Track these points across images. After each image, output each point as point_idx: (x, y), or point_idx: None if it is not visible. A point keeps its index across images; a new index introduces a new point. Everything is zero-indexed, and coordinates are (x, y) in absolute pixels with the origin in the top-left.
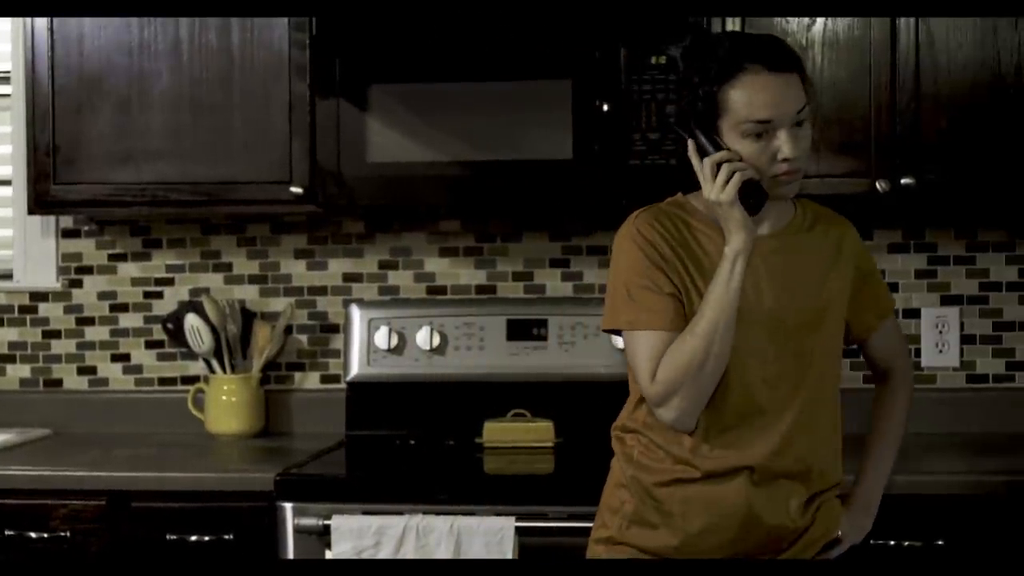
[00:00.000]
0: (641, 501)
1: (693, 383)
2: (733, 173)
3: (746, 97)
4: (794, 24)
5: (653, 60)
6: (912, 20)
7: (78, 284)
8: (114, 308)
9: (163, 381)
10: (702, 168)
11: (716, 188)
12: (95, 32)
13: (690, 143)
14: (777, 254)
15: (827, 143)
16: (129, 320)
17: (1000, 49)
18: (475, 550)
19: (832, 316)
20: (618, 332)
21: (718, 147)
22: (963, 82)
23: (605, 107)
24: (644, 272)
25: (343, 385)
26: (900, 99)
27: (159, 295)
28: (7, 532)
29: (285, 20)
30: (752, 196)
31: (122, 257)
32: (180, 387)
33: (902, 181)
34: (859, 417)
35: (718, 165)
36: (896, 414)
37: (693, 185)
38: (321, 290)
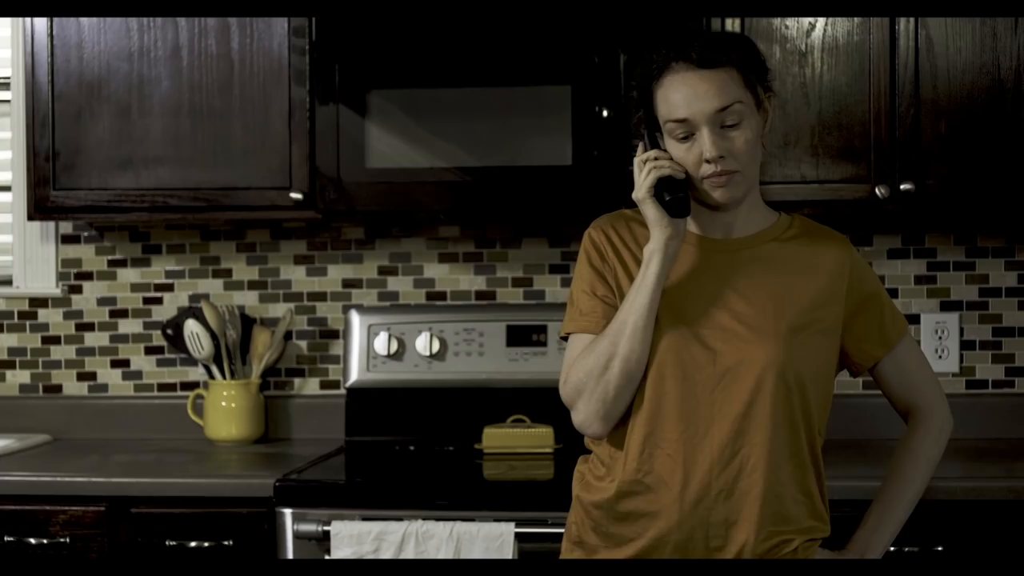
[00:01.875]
0: (581, 523)
1: (597, 384)
2: (651, 171)
3: (665, 95)
4: (793, 30)
5: None
6: (911, 25)
7: (78, 290)
8: (114, 314)
9: (163, 387)
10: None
11: (637, 186)
12: (95, 38)
13: (639, 145)
14: (730, 259)
15: (826, 149)
16: (129, 326)
17: (999, 54)
18: (474, 556)
19: (807, 336)
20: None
21: (655, 147)
22: (962, 87)
23: (605, 113)
24: (584, 276)
25: (343, 391)
26: (899, 104)
27: (159, 301)
28: (7, 538)
29: (285, 26)
30: (672, 195)
31: (122, 263)
32: (180, 393)
33: (901, 187)
34: (860, 424)
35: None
36: (916, 460)
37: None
38: (320, 296)
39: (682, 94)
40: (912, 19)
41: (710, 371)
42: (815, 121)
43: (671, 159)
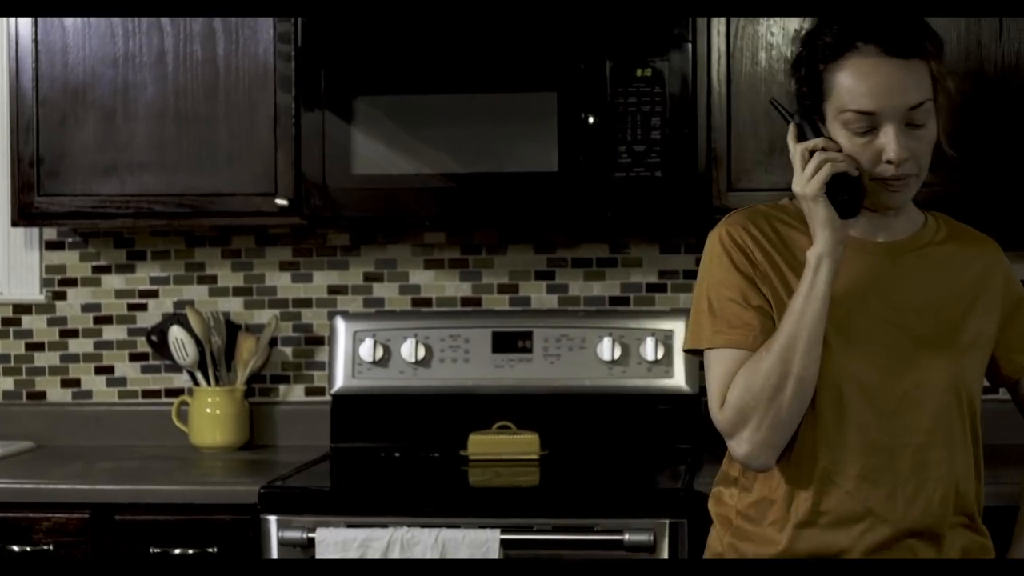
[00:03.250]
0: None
1: (768, 409)
2: (824, 164)
3: (850, 82)
4: (779, 36)
5: (638, 72)
6: None
7: (62, 296)
8: (98, 320)
9: (147, 394)
10: (794, 156)
11: (803, 179)
12: (79, 43)
13: (791, 127)
14: (894, 267)
15: None
16: (113, 332)
17: (984, 62)
18: None
19: (967, 345)
20: (700, 352)
21: (818, 133)
22: None
23: (591, 119)
24: (728, 282)
25: (328, 397)
26: None
27: (143, 307)
28: None
29: (270, 31)
30: (846, 194)
31: (106, 269)
32: (164, 400)
33: None
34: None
35: (810, 154)
36: None
37: (681, 196)
38: (306, 302)
39: (871, 83)
40: None
41: (888, 394)
42: None
43: (840, 151)
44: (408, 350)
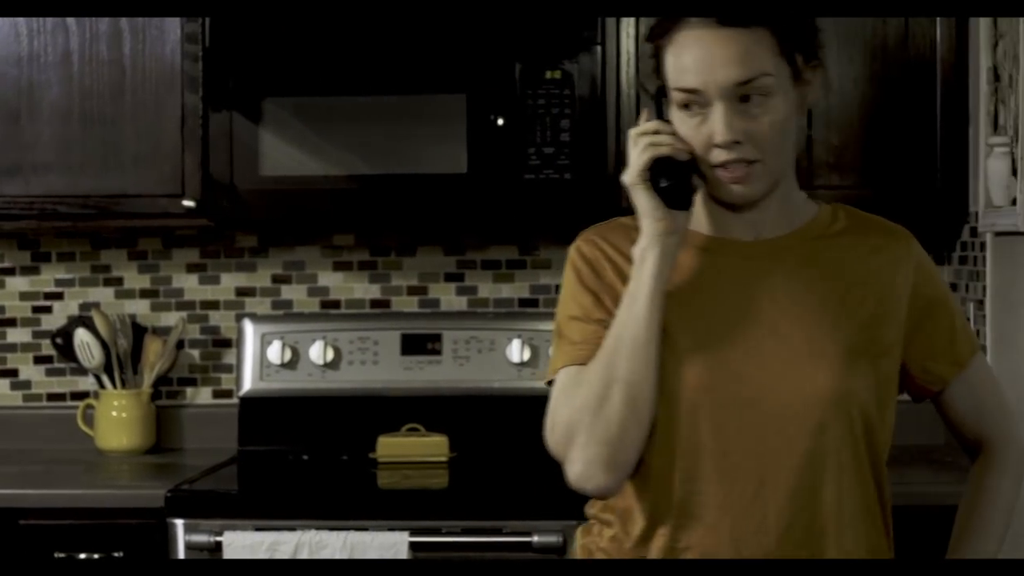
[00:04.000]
0: None
1: (595, 421)
2: (647, 149)
3: (674, 57)
4: None
5: (548, 75)
6: None
7: None
8: (2, 323)
9: (52, 397)
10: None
11: (629, 167)
12: None
13: (643, 114)
14: (769, 266)
15: None
16: (17, 335)
17: (890, 65)
18: None
19: (858, 352)
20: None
21: (661, 119)
22: (853, 99)
23: (500, 121)
24: (574, 300)
25: (235, 400)
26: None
27: (48, 310)
28: None
29: (178, 32)
30: (671, 180)
31: (10, 271)
32: (69, 403)
33: None
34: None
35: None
36: (995, 503)
37: (590, 198)
38: (213, 304)
39: (694, 57)
40: None
41: (756, 413)
42: None
43: (674, 135)
44: (317, 352)
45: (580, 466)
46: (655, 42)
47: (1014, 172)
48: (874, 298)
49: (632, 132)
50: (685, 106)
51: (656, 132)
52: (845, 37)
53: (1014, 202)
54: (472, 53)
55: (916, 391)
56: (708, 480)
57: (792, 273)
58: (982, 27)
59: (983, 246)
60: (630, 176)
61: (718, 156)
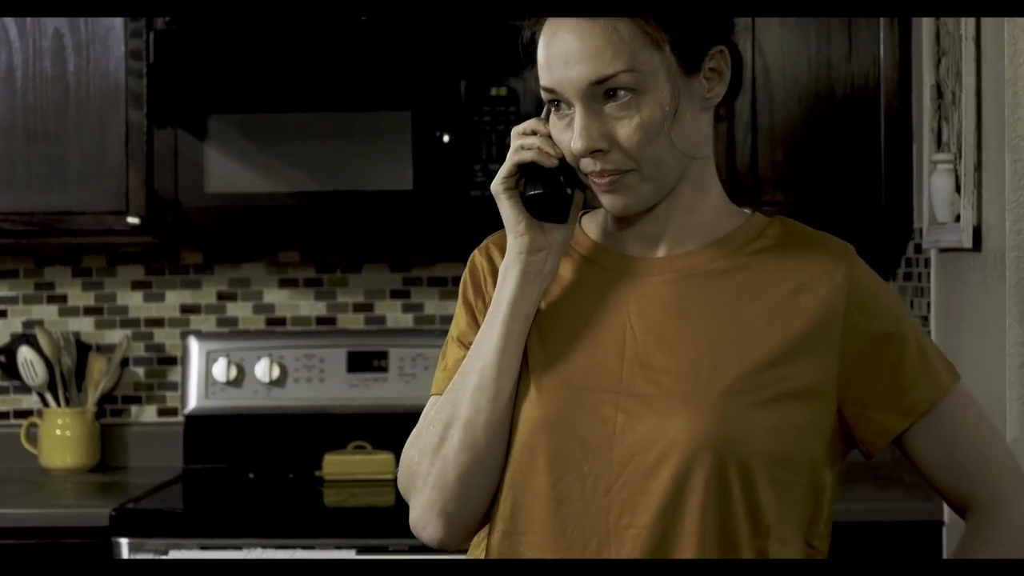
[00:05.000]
0: None
1: (432, 464)
2: (513, 154)
3: (540, 51)
4: None
5: (493, 92)
6: (748, 52)
7: None
8: None
9: None
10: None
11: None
12: None
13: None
14: (665, 289)
15: None
16: None
17: (834, 82)
18: None
19: (763, 403)
20: None
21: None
22: (798, 115)
23: (445, 138)
24: (457, 315)
25: (181, 418)
26: (737, 132)
27: None
28: None
29: (122, 48)
30: (539, 188)
31: None
32: (13, 421)
33: None
34: None
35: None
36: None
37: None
38: (158, 322)
39: (550, 52)
40: (749, 47)
41: (605, 457)
42: None
43: (548, 137)
44: (262, 370)
45: (415, 513)
46: (527, 35)
47: (958, 189)
48: (786, 330)
49: (513, 130)
50: (556, 106)
51: (533, 132)
52: (789, 55)
53: (958, 219)
54: (417, 70)
55: (861, 446)
56: (542, 533)
57: (684, 296)
58: (925, 44)
59: (927, 263)
60: (494, 182)
61: (586, 165)
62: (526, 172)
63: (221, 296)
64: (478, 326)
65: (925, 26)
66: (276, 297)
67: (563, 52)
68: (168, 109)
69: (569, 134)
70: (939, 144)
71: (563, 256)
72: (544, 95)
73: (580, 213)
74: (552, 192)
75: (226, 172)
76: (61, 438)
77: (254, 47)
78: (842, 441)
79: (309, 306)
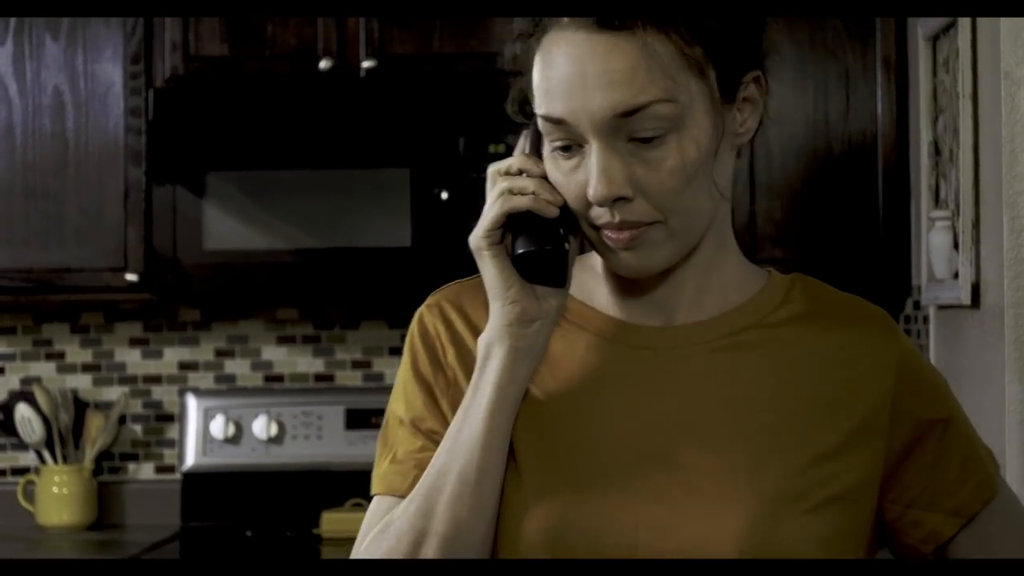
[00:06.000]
0: None
1: None
2: (500, 199)
3: (540, 72)
4: None
5: (491, 149)
6: None
7: None
8: None
9: None
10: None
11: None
12: None
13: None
14: (684, 367)
15: None
16: None
17: (832, 138)
18: None
19: (811, 508)
20: None
21: (537, 153)
22: (796, 171)
23: (444, 195)
24: (405, 390)
25: (178, 476)
26: (735, 189)
27: None
28: None
29: (121, 105)
30: (533, 245)
31: None
32: (10, 478)
33: None
34: None
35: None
36: None
37: None
38: (156, 379)
39: (560, 74)
40: None
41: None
42: None
43: (544, 179)
44: (260, 427)
45: None
46: (527, 49)
47: (956, 246)
48: (834, 416)
49: (491, 169)
50: (557, 141)
51: (520, 172)
52: (787, 111)
53: (956, 275)
54: (415, 127)
55: (902, 550)
56: None
57: (709, 375)
58: (922, 101)
59: (926, 319)
60: (474, 235)
61: (599, 216)
62: (515, 224)
63: (219, 353)
64: (439, 409)
65: (922, 83)
66: (274, 354)
67: (579, 74)
68: (167, 166)
69: (578, 177)
70: (937, 201)
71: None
72: (545, 129)
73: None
74: (552, 250)
75: (224, 229)
76: (58, 495)
77: (253, 104)
78: (873, 547)
79: (307, 363)
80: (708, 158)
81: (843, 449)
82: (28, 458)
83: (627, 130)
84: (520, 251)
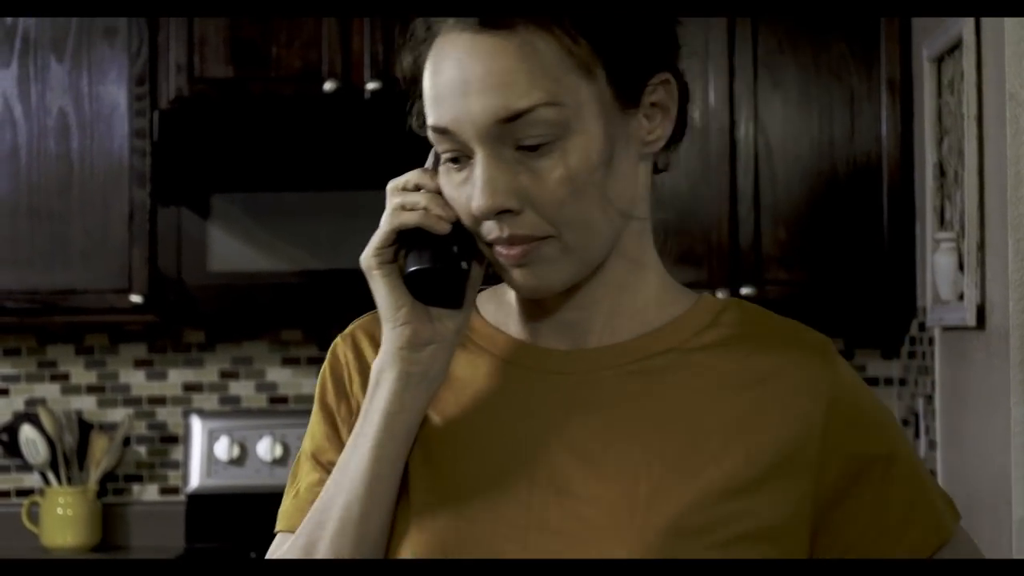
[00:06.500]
0: None
1: None
2: (391, 216)
3: (429, 81)
4: None
5: None
6: (751, 131)
7: None
8: None
9: None
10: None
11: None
12: None
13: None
14: (590, 393)
15: (666, 254)
16: None
17: (836, 160)
18: None
19: (712, 546)
20: None
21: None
22: (801, 193)
23: None
24: (312, 422)
25: (183, 497)
26: (740, 210)
27: None
28: None
29: (126, 127)
30: (425, 264)
31: None
32: (14, 500)
33: (742, 291)
34: None
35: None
36: None
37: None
38: (160, 400)
39: (443, 80)
40: (752, 126)
41: None
42: (655, 226)
43: (438, 194)
44: (264, 448)
45: None
46: (417, 49)
47: (961, 267)
48: (749, 449)
49: (389, 185)
50: (447, 153)
51: (417, 188)
52: (791, 133)
53: (962, 297)
54: (420, 149)
55: None
56: None
57: (617, 402)
58: (927, 123)
59: (932, 341)
60: (364, 256)
61: (489, 231)
62: (408, 241)
63: (223, 374)
64: (340, 441)
65: (927, 105)
66: (278, 375)
67: (460, 80)
68: (171, 188)
69: (467, 190)
70: (942, 222)
71: (455, 351)
72: (434, 140)
73: (476, 293)
74: (443, 267)
75: (229, 250)
76: (63, 517)
77: (257, 126)
78: None
79: (311, 384)
80: (600, 168)
81: (761, 484)
82: (32, 480)
83: (513, 138)
84: (410, 269)
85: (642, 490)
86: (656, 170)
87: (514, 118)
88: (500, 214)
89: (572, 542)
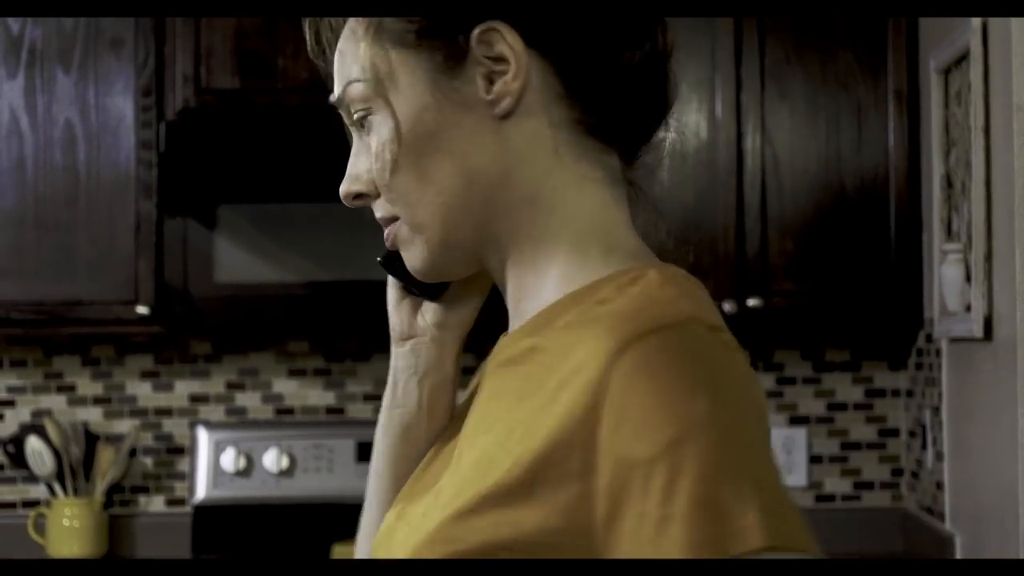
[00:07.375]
0: None
1: None
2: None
3: None
4: None
5: None
6: (758, 143)
7: None
8: None
9: (3, 505)
10: None
11: None
12: None
13: None
14: (482, 382)
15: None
16: None
17: (843, 172)
18: None
19: (489, 543)
20: None
21: None
22: (808, 204)
23: None
24: None
25: (189, 508)
26: (747, 220)
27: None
28: None
29: (132, 138)
30: (389, 253)
31: None
32: (20, 511)
33: (749, 303)
34: None
35: None
36: None
37: None
38: (167, 411)
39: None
40: (759, 137)
41: None
42: (662, 237)
43: None
44: (271, 460)
45: None
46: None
47: (968, 279)
48: (518, 449)
49: None
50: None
51: None
52: (798, 145)
53: (969, 308)
54: None
55: None
56: None
57: (483, 397)
58: (934, 135)
59: (939, 352)
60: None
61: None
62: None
63: (230, 386)
64: None
65: (934, 116)
66: (285, 387)
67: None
68: (178, 199)
69: None
70: (949, 234)
71: (458, 347)
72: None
73: (464, 288)
74: (396, 254)
75: (235, 262)
76: (69, 528)
77: (264, 137)
78: None
79: (318, 396)
80: (423, 136)
81: (527, 488)
82: (39, 491)
83: (356, 121)
84: (382, 258)
85: (448, 493)
86: (627, 161)
87: (342, 100)
88: (356, 198)
89: (419, 519)
